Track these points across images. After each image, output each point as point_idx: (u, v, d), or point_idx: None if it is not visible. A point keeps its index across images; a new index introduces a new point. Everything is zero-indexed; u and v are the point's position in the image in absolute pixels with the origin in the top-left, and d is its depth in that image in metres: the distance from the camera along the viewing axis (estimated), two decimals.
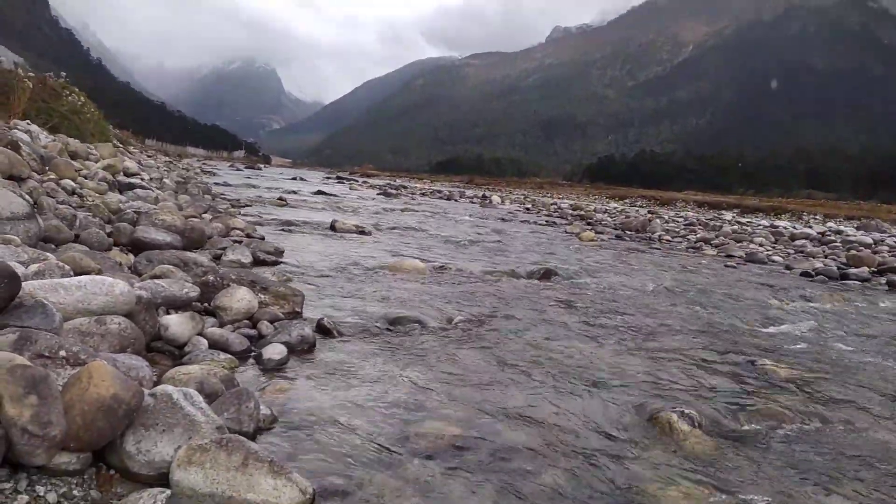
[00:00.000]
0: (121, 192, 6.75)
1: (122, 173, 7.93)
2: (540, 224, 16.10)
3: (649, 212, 25.23)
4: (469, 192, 37.16)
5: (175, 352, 2.75)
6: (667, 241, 13.16)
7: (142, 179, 8.33)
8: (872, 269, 9.44)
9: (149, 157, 22.44)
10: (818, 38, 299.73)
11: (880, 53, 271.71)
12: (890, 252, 11.90)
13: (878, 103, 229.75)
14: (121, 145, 16.64)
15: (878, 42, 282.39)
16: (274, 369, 2.75)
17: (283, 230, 8.55)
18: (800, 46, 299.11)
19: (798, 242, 12.95)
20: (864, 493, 2.20)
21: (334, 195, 20.81)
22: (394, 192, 28.17)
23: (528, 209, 23.74)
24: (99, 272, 3.23)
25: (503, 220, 16.73)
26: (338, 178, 52.66)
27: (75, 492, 1.57)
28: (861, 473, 2.37)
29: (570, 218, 19.27)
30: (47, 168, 5.75)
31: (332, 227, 9.23)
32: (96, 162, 7.87)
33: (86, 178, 6.38)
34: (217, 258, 5.24)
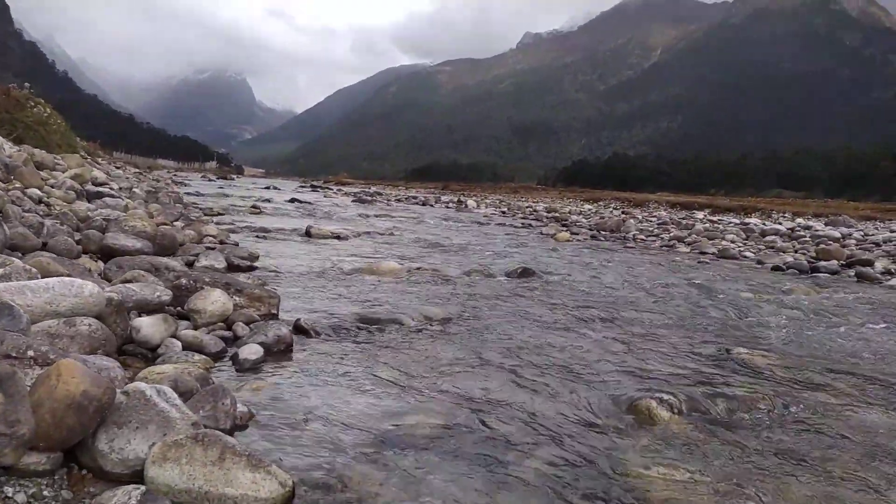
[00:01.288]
0: (89, 201, 6.63)
1: (90, 182, 7.78)
2: (516, 227, 16.16)
3: (623, 212, 25.48)
4: (444, 198, 37.17)
5: (148, 354, 2.69)
6: (641, 240, 13.30)
7: (111, 188, 8.18)
8: (841, 262, 9.64)
9: (117, 168, 22.09)
10: (786, 41, 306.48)
11: (845, 55, 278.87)
12: (857, 245, 12.17)
13: (846, 104, 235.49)
14: (88, 157, 16.36)
15: (842, 45, 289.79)
16: (250, 369, 2.71)
17: (257, 237, 8.46)
18: (768, 49, 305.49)
19: (769, 238, 13.18)
20: (837, 472, 2.23)
21: (308, 202, 20.65)
22: (369, 198, 28.08)
23: (503, 213, 23.82)
24: (68, 276, 3.16)
25: (479, 223, 16.77)
26: (312, 186, 52.35)
27: (45, 492, 1.52)
28: (834, 454, 2.40)
29: (545, 220, 19.38)
30: (12, 177, 5.62)
31: (308, 233, 9.15)
32: (63, 172, 7.71)
33: (53, 186, 6.25)
34: (190, 264, 5.16)
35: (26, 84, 14.74)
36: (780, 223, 18.46)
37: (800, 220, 20.42)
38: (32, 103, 13.71)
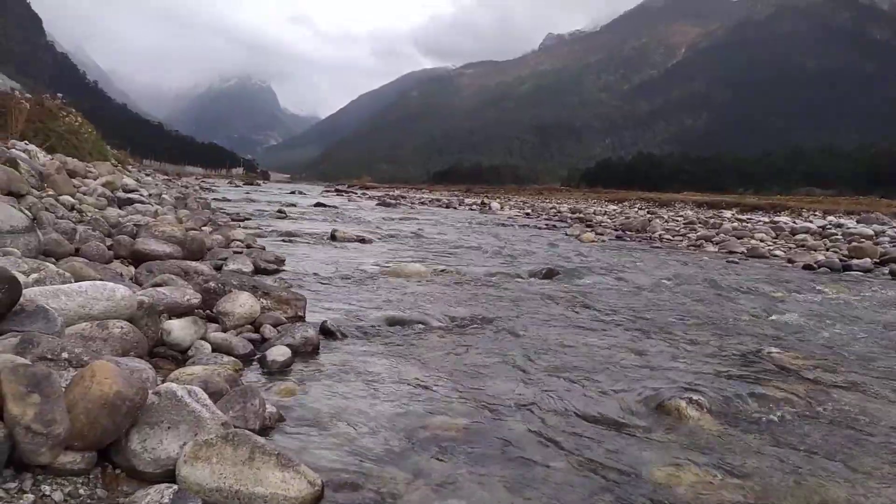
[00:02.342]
0: (120, 208, 6.76)
1: (120, 189, 7.94)
2: (540, 228, 16.09)
3: (648, 212, 25.22)
4: (468, 200, 37.18)
5: (178, 356, 2.73)
6: (667, 240, 13.15)
7: (140, 195, 8.33)
8: (875, 259, 9.42)
9: (147, 175, 22.51)
10: (809, 36, 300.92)
11: (871, 50, 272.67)
12: (891, 243, 11.87)
13: (870, 100, 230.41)
14: (119, 164, 16.69)
15: (869, 39, 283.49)
16: (278, 371, 2.74)
17: (283, 241, 8.55)
18: (791, 46, 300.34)
19: (799, 237, 12.92)
20: (867, 474, 2.18)
21: (334, 206, 20.82)
22: (393, 201, 28.19)
23: (527, 214, 23.74)
24: (100, 280, 3.23)
25: (503, 225, 16.73)
26: (336, 190, 52.79)
27: (81, 490, 1.55)
28: (865, 456, 2.35)
29: (569, 221, 19.27)
30: (46, 185, 5.75)
31: (333, 237, 9.22)
32: (95, 179, 7.88)
33: (85, 194, 6.38)
34: (218, 268, 5.23)
35: (59, 94, 15.08)
36: (811, 221, 18.09)
37: (831, 217, 20.00)
38: (64, 113, 14.03)
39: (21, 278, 2.54)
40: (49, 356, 1.86)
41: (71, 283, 2.66)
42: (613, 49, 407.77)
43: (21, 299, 2.15)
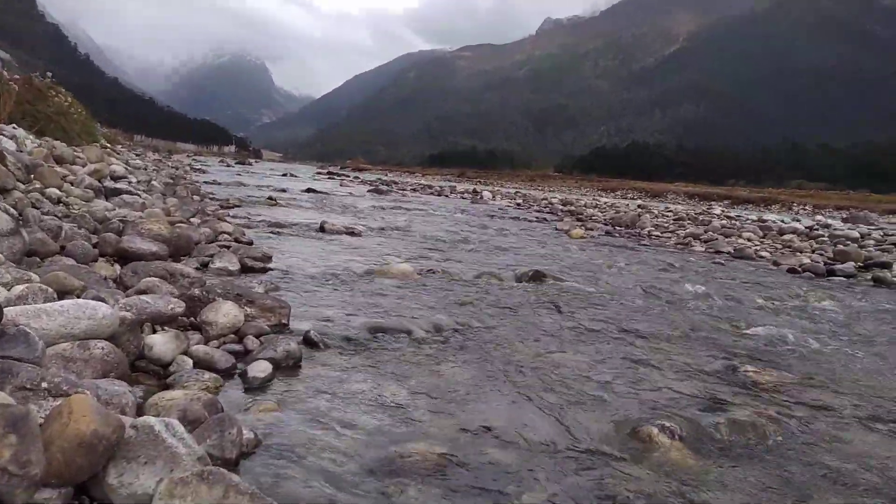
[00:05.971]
0: (107, 199, 6.73)
1: (108, 178, 7.90)
2: (530, 220, 16.14)
3: (639, 206, 25.31)
4: (460, 188, 37.15)
5: (160, 371, 2.76)
6: (656, 236, 13.23)
7: (129, 183, 8.29)
8: (859, 264, 9.54)
9: (137, 155, 22.34)
10: (810, 30, 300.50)
11: (872, 46, 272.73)
12: (876, 246, 12.00)
13: (870, 96, 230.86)
14: (108, 145, 16.55)
15: (870, 34, 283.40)
16: (259, 388, 2.77)
17: (272, 232, 8.54)
18: (792, 38, 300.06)
19: (786, 237, 13.04)
20: None
21: (325, 192, 20.75)
22: (385, 188, 28.13)
23: (518, 205, 23.76)
24: (83, 289, 3.24)
25: (493, 216, 16.76)
26: (329, 173, 52.61)
27: None
28: (842, 485, 2.41)
29: (560, 214, 19.32)
30: (32, 177, 5.72)
31: (322, 229, 9.22)
32: (83, 166, 7.83)
33: (72, 184, 6.35)
34: (204, 265, 5.25)
35: (48, 73, 14.88)
36: (800, 219, 18.24)
37: (819, 216, 20.15)
38: (54, 92, 13.86)
39: (3, 295, 2.56)
40: (28, 386, 1.88)
41: (54, 298, 2.67)
42: (612, 35, 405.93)
43: (2, 320, 2.17)
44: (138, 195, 7.40)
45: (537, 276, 6.44)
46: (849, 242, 11.90)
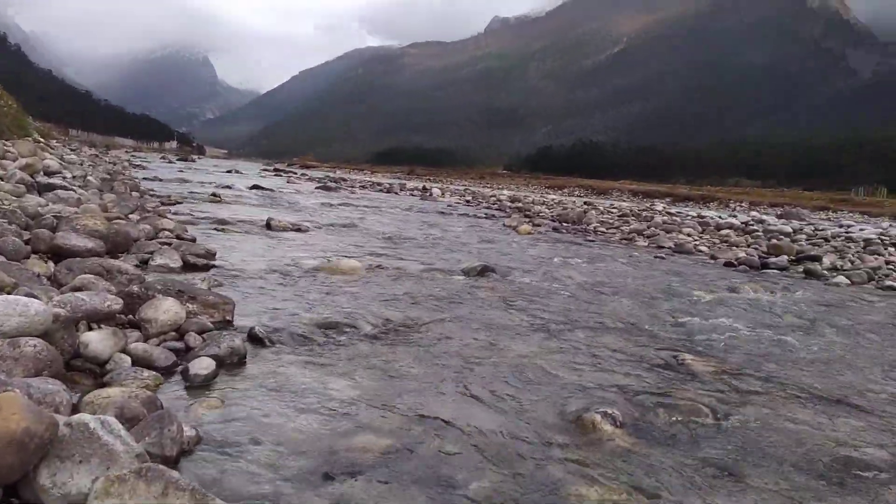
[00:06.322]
0: (40, 194, 6.45)
1: (41, 173, 7.57)
2: (479, 217, 16.26)
3: (585, 202, 25.81)
4: (410, 185, 37.07)
5: (96, 370, 2.67)
6: (601, 232, 13.53)
7: (63, 178, 7.96)
8: (791, 257, 9.97)
9: (72, 150, 21.44)
10: (753, 31, 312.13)
11: (808, 48, 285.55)
12: (808, 240, 12.59)
13: (809, 94, 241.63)
14: (42, 140, 15.84)
15: (804, 37, 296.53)
16: (201, 385, 2.71)
17: (216, 229, 8.35)
18: (735, 39, 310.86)
19: (723, 232, 13.53)
20: (777, 487, 2.34)
21: (271, 189, 20.39)
22: (333, 185, 27.83)
23: (468, 202, 23.90)
24: (15, 286, 3.11)
25: (443, 213, 16.80)
26: (275, 170, 51.64)
27: None
28: (775, 468, 2.51)
29: (508, 210, 19.52)
30: None
31: (268, 226, 9.06)
32: (14, 161, 7.48)
33: (2, 179, 6.07)
34: (144, 262, 5.09)
35: None
36: (736, 215, 18.96)
37: (754, 212, 20.98)
38: None
39: None
40: None
41: None
42: (558, 35, 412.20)
43: None
44: (73, 191, 7.11)
45: (484, 271, 6.51)
46: (782, 237, 12.43)
